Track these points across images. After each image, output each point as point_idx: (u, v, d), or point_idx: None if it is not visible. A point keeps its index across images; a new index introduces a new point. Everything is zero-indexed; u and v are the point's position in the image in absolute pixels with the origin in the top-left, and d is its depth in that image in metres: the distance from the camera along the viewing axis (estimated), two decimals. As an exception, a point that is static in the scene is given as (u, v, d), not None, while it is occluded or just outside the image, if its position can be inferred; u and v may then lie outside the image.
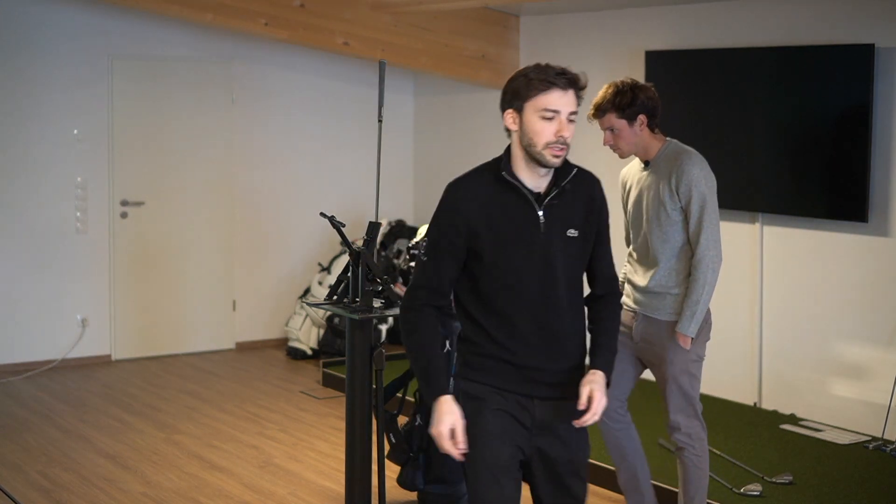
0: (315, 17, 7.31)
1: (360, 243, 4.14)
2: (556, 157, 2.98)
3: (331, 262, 8.35)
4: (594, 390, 3.01)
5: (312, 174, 8.78)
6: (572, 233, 3.05)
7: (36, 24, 7.65)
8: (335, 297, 4.18)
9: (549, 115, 2.95)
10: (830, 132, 6.09)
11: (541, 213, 3.02)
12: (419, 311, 3.06)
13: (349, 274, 4.08)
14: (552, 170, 3.03)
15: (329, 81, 8.81)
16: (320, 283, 8.18)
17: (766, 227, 6.48)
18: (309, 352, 8.21)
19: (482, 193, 3.03)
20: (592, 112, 4.30)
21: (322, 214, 4.26)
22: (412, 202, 9.24)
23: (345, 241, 4.14)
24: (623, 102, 4.23)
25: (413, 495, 5.05)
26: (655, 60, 6.87)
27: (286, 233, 8.70)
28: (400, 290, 4.95)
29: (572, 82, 2.97)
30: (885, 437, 5.85)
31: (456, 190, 3.06)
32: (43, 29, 7.68)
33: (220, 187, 8.39)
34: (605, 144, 4.34)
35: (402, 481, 4.95)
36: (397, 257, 8.63)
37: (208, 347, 8.41)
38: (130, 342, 8.12)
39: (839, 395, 6.16)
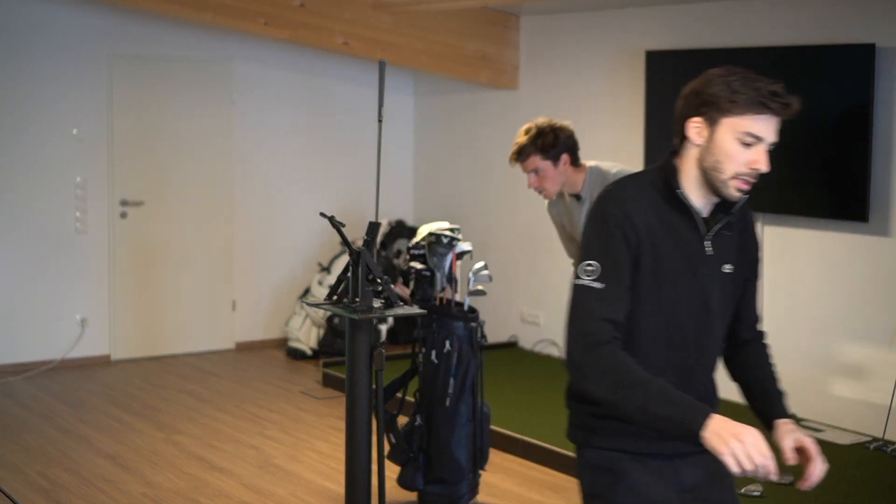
0: (315, 17, 7.31)
1: (360, 243, 4.12)
2: (741, 191, 2.49)
3: (331, 262, 8.34)
4: (800, 438, 2.63)
5: (312, 174, 8.78)
6: (728, 268, 2.61)
7: (36, 24, 7.65)
8: (335, 297, 4.17)
9: (751, 140, 2.44)
10: (830, 132, 6.09)
11: (708, 242, 2.56)
12: (613, 343, 2.44)
13: (349, 274, 4.06)
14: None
15: (329, 81, 8.81)
16: (320, 283, 8.18)
17: (767, 227, 6.47)
18: (309, 352, 8.21)
19: (649, 208, 2.51)
20: (514, 156, 4.30)
21: (322, 214, 4.24)
22: (412, 202, 9.23)
23: (345, 241, 4.12)
24: (546, 144, 4.24)
25: (413, 495, 5.05)
26: (655, 60, 6.87)
27: (286, 233, 8.69)
28: (400, 289, 4.93)
29: (785, 109, 2.45)
30: (885, 437, 5.85)
31: (625, 199, 2.52)
32: (42, 29, 7.67)
33: (220, 187, 8.39)
34: (530, 187, 4.37)
35: (402, 481, 4.96)
36: (397, 257, 8.63)
37: (208, 347, 8.41)
38: (130, 342, 8.12)
39: (839, 395, 6.16)
